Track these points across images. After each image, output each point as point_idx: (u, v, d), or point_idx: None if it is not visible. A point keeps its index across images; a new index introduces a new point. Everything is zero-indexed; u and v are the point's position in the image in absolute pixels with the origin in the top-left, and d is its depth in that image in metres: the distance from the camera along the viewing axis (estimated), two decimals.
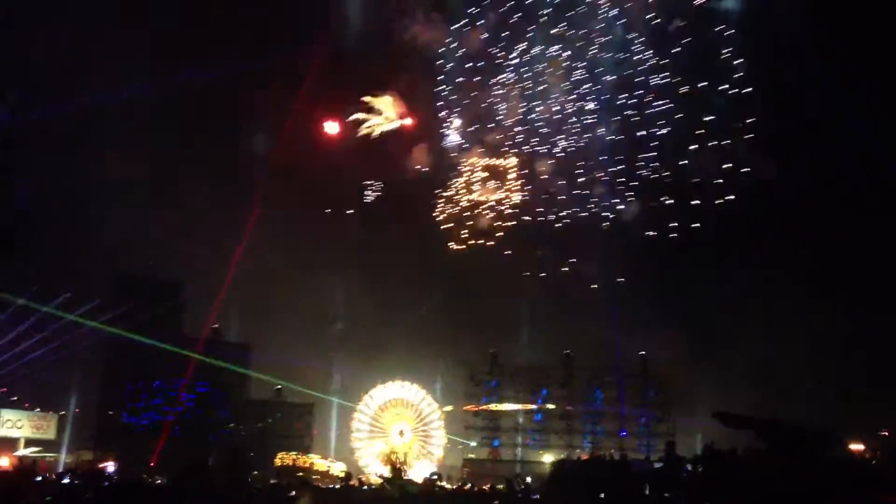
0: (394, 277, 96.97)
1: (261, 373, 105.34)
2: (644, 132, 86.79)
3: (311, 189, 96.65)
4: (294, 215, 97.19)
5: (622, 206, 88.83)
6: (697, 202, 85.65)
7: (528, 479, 61.24)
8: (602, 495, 41.53)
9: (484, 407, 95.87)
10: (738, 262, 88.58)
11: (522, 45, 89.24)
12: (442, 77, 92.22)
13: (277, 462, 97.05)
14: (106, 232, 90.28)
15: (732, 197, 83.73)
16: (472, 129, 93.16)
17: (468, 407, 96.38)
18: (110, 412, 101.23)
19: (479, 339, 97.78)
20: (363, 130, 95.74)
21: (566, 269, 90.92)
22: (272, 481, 70.50)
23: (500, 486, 56.04)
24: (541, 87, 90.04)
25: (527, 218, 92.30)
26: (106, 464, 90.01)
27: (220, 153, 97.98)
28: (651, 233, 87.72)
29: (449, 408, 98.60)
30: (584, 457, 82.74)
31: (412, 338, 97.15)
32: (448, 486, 69.94)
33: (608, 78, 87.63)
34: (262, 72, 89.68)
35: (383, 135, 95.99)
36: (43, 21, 79.18)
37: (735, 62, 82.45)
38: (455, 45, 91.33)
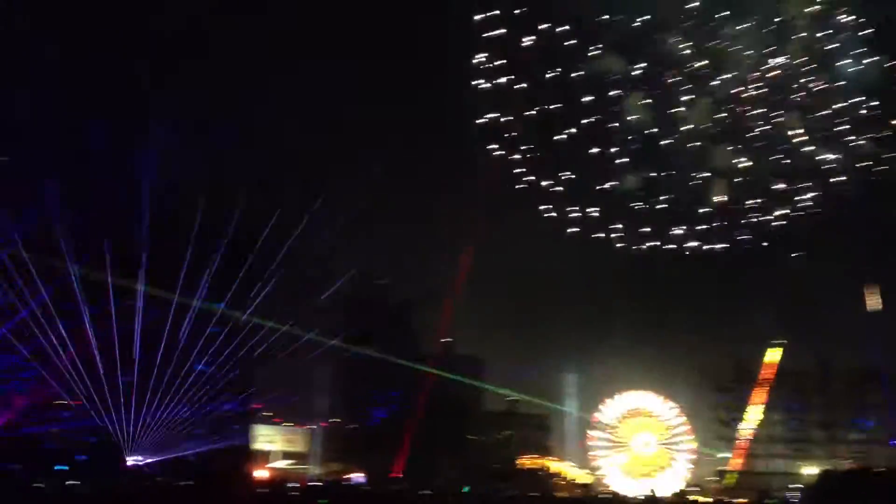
0: (630, 287, 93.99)
1: (495, 385, 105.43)
2: None
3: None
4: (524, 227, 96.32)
5: None
6: None
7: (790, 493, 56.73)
8: None
9: None
10: None
11: None
12: None
13: (522, 463, 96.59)
14: (341, 253, 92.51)
15: None
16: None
17: None
18: (354, 426, 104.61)
19: (725, 346, 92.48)
20: None
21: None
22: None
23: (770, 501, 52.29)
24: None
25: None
26: (353, 474, 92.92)
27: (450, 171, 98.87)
28: None
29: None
30: (851, 467, 76.41)
31: (650, 346, 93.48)
32: (702, 500, 66.39)
33: None
34: None
35: None
36: None
37: None
38: None
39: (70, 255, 69.65)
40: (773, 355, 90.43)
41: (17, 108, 65.83)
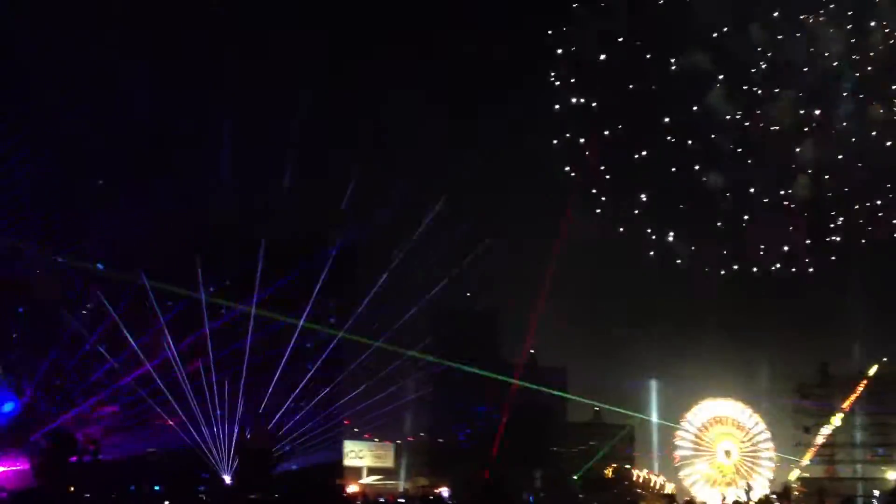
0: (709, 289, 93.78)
1: (579, 395, 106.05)
2: None
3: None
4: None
5: None
6: None
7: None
8: None
9: None
10: None
11: None
12: None
13: (608, 473, 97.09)
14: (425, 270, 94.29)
15: None
16: None
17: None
18: (440, 440, 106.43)
19: (808, 350, 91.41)
20: None
21: None
22: None
23: None
24: None
25: None
26: (440, 489, 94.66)
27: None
28: None
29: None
30: None
31: (732, 352, 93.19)
32: None
33: None
34: None
35: None
36: None
37: None
38: None
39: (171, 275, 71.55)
40: (869, 369, 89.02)
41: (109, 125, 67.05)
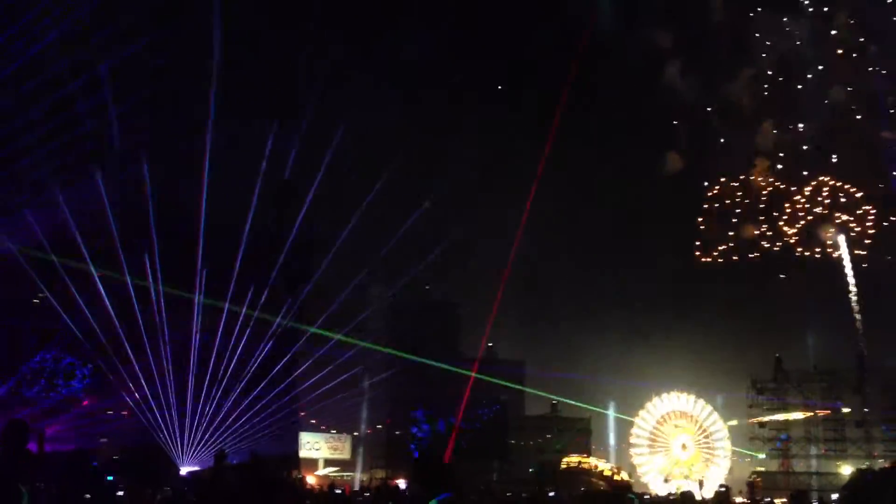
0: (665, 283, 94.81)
1: (536, 388, 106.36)
2: None
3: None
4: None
5: None
6: None
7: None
8: None
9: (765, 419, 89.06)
10: None
11: None
12: None
13: (563, 465, 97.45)
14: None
15: None
16: None
17: (753, 420, 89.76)
18: (397, 431, 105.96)
19: (762, 344, 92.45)
20: None
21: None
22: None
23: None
24: None
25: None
26: (397, 481, 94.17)
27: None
28: None
29: (734, 422, 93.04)
30: (884, 465, 76.13)
31: (688, 346, 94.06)
32: (739, 501, 66.87)
33: None
34: None
35: None
36: None
37: None
38: None
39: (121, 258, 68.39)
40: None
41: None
